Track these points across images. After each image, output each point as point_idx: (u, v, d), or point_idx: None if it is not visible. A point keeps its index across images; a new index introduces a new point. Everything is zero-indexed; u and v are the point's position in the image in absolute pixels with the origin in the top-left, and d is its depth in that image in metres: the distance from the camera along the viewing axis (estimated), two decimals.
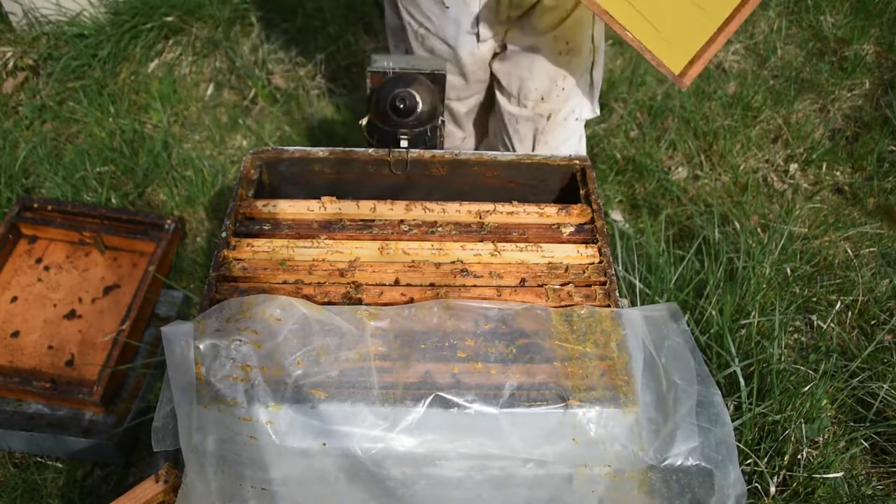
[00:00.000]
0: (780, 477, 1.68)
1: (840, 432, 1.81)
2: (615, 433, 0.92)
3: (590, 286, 1.10)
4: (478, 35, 1.52)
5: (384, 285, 1.08)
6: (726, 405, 1.75)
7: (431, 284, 1.08)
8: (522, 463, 0.92)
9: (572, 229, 1.19)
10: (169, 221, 2.10)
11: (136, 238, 2.08)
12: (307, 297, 1.05)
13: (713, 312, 1.89)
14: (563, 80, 1.59)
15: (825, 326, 2.00)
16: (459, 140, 1.92)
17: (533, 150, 1.74)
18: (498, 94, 1.69)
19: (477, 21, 1.49)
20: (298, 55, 2.87)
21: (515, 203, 1.23)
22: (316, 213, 1.20)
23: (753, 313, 1.92)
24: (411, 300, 1.06)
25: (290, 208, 1.21)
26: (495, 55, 1.63)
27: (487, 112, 1.85)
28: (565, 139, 1.73)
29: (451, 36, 1.53)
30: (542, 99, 1.62)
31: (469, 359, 0.97)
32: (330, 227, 1.18)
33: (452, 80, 1.65)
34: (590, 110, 1.70)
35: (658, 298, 1.98)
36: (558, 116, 1.66)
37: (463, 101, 1.75)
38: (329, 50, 2.91)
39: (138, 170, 2.44)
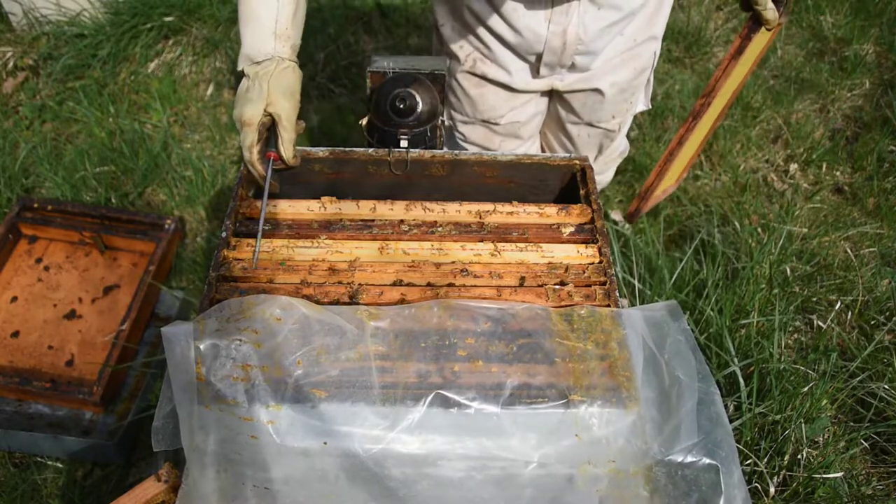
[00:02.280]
0: (780, 477, 1.68)
1: (840, 432, 1.81)
2: (618, 429, 0.92)
3: (590, 286, 1.10)
4: (537, 71, 1.50)
5: (384, 285, 1.08)
6: (726, 405, 1.76)
7: (431, 284, 1.08)
8: (524, 462, 0.92)
9: (572, 229, 1.19)
10: (169, 221, 2.10)
11: (136, 238, 2.08)
12: (307, 297, 1.05)
13: (712, 312, 1.89)
14: (632, 96, 1.62)
15: (825, 326, 2.00)
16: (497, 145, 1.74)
17: (598, 155, 1.76)
18: (562, 111, 1.66)
19: (539, 59, 1.46)
20: (298, 55, 2.87)
21: (515, 203, 1.23)
22: (316, 213, 1.20)
23: (753, 313, 1.92)
24: (411, 300, 1.06)
25: (289, 208, 1.21)
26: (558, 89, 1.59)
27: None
28: (624, 135, 1.78)
29: (508, 62, 1.49)
30: (613, 117, 1.63)
31: (469, 358, 0.97)
32: (330, 227, 1.18)
33: (499, 93, 1.57)
34: (643, 103, 1.71)
35: (657, 298, 1.98)
36: (624, 123, 1.70)
37: (516, 109, 1.63)
38: (329, 50, 2.91)
39: (138, 170, 2.44)
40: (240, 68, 1.18)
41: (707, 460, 0.91)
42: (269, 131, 1.15)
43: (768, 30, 1.48)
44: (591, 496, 0.96)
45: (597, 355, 0.98)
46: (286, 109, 1.14)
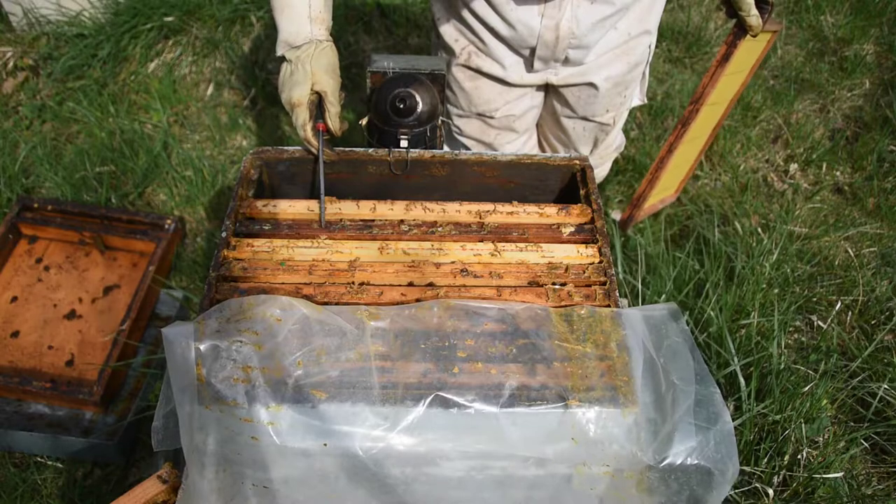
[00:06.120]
0: (780, 477, 1.68)
1: (840, 432, 1.81)
2: (614, 433, 0.92)
3: (590, 286, 1.10)
4: (531, 65, 1.50)
5: (384, 285, 1.08)
6: (726, 405, 1.76)
7: (431, 284, 1.08)
8: (522, 462, 0.92)
9: (572, 229, 1.19)
10: (169, 221, 2.10)
11: (136, 238, 2.08)
12: (307, 298, 1.05)
13: (712, 312, 1.89)
14: (626, 90, 1.62)
15: (825, 326, 2.00)
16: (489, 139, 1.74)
17: (594, 149, 1.77)
18: (557, 105, 1.66)
19: (532, 53, 1.47)
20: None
21: (515, 203, 1.23)
22: (316, 214, 1.20)
23: (753, 313, 1.92)
24: (411, 300, 1.06)
25: (290, 208, 1.21)
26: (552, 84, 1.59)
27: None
28: (619, 130, 1.79)
29: (502, 56, 1.50)
30: (608, 111, 1.64)
31: (469, 359, 0.97)
32: (330, 227, 1.18)
33: (494, 86, 1.58)
34: (639, 98, 1.71)
35: (657, 298, 1.98)
36: (619, 116, 1.70)
37: (511, 103, 1.64)
38: None
39: (138, 170, 2.44)
40: (279, 54, 1.26)
41: (700, 463, 0.91)
42: (317, 108, 1.25)
43: (753, 36, 1.48)
44: (589, 496, 0.96)
45: (596, 357, 0.98)
46: (331, 86, 1.23)
